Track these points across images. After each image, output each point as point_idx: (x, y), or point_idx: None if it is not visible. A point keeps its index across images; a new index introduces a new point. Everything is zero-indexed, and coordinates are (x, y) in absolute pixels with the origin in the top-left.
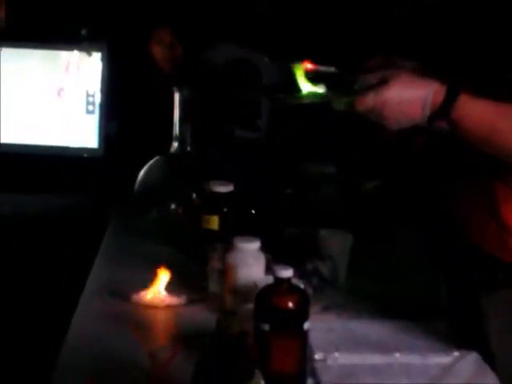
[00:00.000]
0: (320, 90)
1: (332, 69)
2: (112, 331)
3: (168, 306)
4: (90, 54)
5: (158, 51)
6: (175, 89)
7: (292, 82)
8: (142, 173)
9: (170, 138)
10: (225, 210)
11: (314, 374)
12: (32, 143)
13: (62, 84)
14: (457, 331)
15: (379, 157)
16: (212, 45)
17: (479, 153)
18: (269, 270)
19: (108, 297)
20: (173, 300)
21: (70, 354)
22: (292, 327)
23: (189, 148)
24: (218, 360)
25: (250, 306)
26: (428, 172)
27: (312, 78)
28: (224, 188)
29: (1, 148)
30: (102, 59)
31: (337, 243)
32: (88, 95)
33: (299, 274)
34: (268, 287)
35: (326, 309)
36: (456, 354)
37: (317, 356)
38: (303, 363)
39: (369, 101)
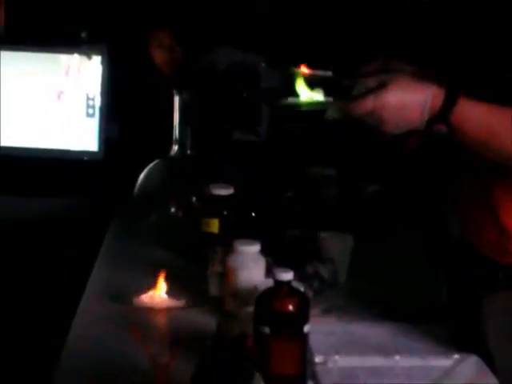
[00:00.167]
0: (317, 95)
1: (329, 73)
2: (112, 334)
3: (168, 309)
4: (90, 57)
5: (158, 54)
6: (175, 92)
7: (290, 88)
8: (141, 176)
9: (169, 142)
10: (225, 213)
11: (314, 377)
12: (32, 146)
13: (62, 87)
14: (457, 332)
15: (379, 159)
16: (211, 48)
17: (478, 157)
18: (269, 272)
19: (108, 300)
20: (173, 303)
21: (70, 357)
22: (292, 330)
23: (189, 151)
24: (218, 363)
25: (251, 308)
26: (428, 173)
27: (309, 82)
28: (224, 191)
29: (1, 151)
30: (102, 62)
31: (337, 245)
32: (88, 98)
33: (299, 276)
34: (268, 290)
35: (327, 311)
36: (456, 356)
37: (317, 359)
38: (303, 366)
39: (368, 104)
